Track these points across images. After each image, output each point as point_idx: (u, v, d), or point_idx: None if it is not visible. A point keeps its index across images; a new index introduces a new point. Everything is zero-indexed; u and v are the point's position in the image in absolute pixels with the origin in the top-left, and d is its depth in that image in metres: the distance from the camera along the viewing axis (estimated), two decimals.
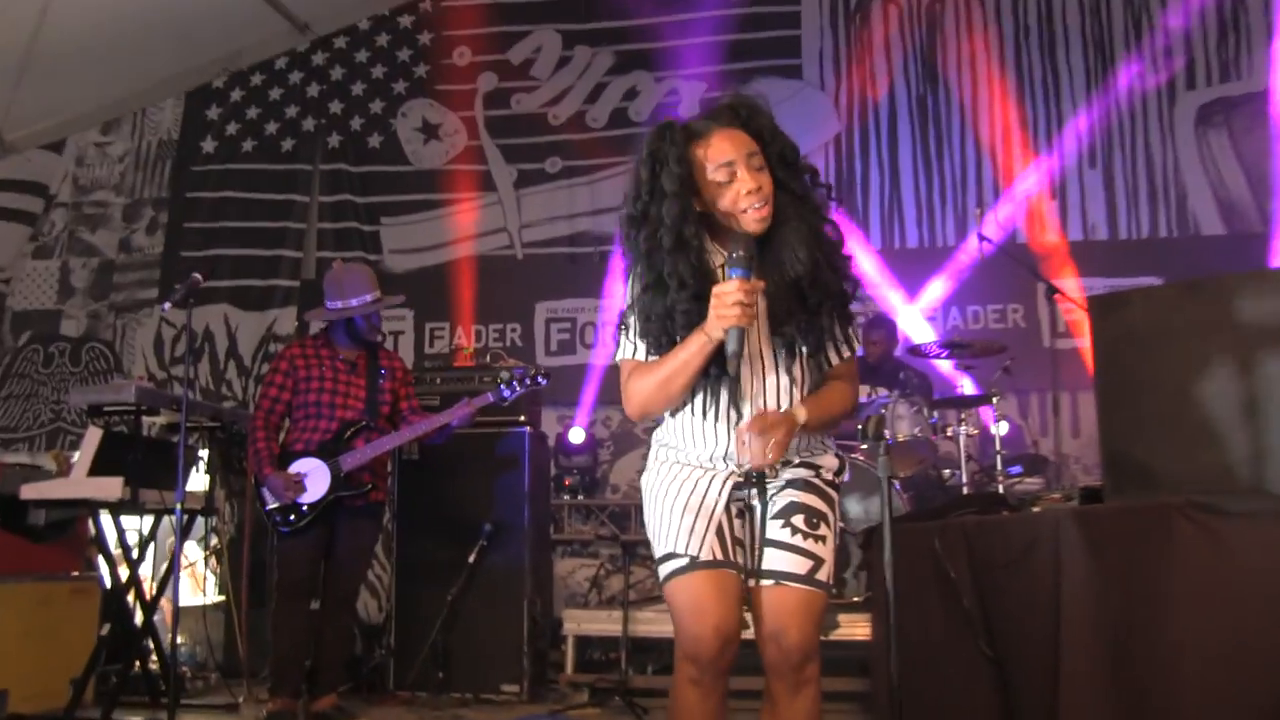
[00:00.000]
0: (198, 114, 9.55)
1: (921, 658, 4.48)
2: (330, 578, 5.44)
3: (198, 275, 5.08)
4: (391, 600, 6.36)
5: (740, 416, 2.83)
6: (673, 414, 2.93)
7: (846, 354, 2.94)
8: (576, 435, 8.27)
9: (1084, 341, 7.16)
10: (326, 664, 5.47)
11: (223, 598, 6.52)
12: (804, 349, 2.83)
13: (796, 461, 2.92)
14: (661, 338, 2.80)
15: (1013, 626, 4.17)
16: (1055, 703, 3.75)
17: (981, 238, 6.99)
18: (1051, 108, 8.58)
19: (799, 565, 2.83)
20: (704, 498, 2.88)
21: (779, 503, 2.89)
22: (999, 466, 6.35)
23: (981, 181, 8.59)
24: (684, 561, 2.83)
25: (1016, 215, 8.45)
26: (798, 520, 2.86)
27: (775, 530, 2.86)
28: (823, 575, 2.85)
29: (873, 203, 8.65)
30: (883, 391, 6.88)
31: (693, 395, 2.86)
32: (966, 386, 7.29)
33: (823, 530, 2.87)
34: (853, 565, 6.02)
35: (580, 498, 8.18)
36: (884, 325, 7.49)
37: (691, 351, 2.73)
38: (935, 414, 6.67)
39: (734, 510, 2.90)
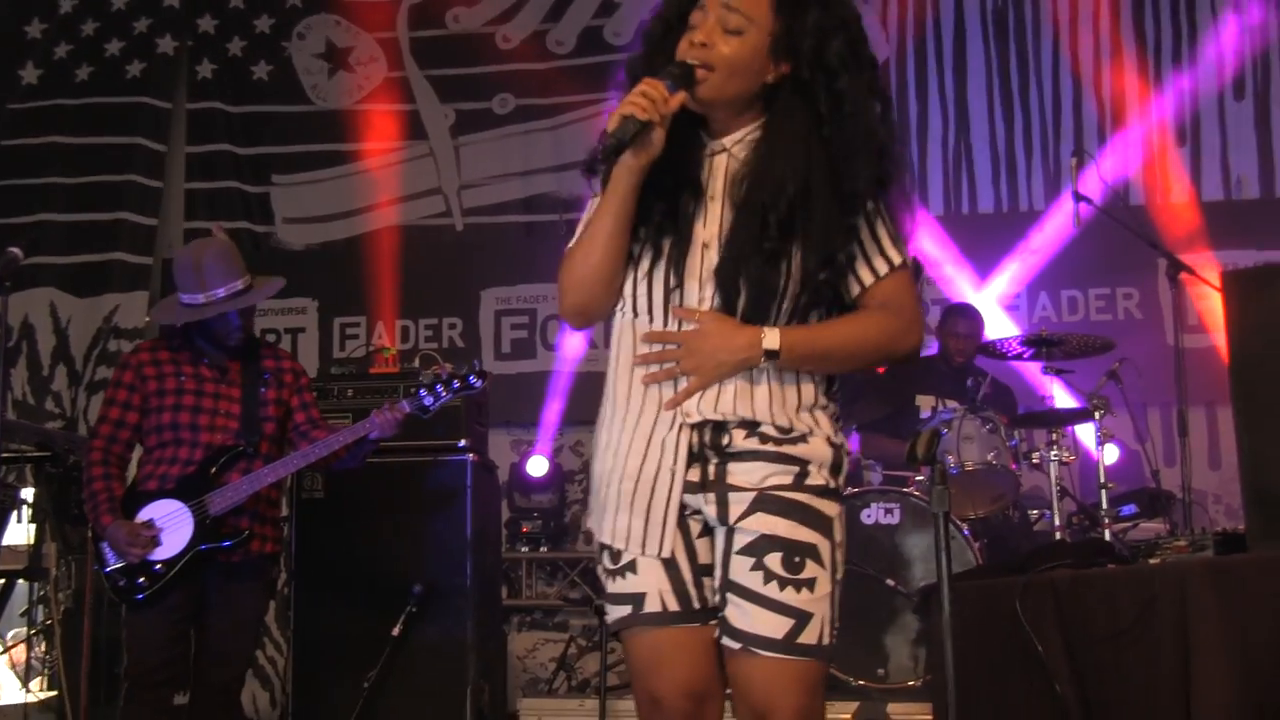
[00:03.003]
0: (14, 34, 9.45)
1: None
2: (202, 662, 5.33)
3: (15, 250, 5.03)
4: (289, 690, 6.35)
5: (677, 285, 2.83)
6: (616, 319, 2.94)
7: (882, 270, 2.86)
8: (538, 466, 8.27)
9: (1223, 337, 7.17)
10: None
11: (54, 693, 6.47)
12: (743, 300, 2.80)
13: (769, 447, 2.84)
14: None
15: (1124, 717, 4.16)
16: None
17: (1079, 198, 6.96)
18: (1181, 18, 8.63)
19: (773, 626, 2.75)
20: (657, 470, 2.85)
21: (747, 532, 2.80)
22: (1104, 505, 6.33)
23: (1081, 123, 8.66)
24: (625, 611, 2.85)
25: (1130, 168, 8.52)
26: (772, 561, 2.76)
27: (742, 571, 2.78)
28: (809, 637, 2.76)
29: (933, 153, 8.75)
30: (951, 404, 6.89)
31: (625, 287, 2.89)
32: (1060, 398, 7.27)
33: (809, 572, 2.78)
34: (909, 637, 6.03)
35: (543, 549, 8.18)
36: (969, 315, 7.50)
37: (608, 190, 2.79)
38: (1017, 435, 6.66)
39: (689, 520, 2.87)
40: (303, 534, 6.38)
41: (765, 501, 2.79)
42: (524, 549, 8.05)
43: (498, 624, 7.02)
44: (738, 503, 2.80)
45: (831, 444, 2.86)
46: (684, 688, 2.83)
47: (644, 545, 2.84)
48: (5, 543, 5.67)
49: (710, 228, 2.84)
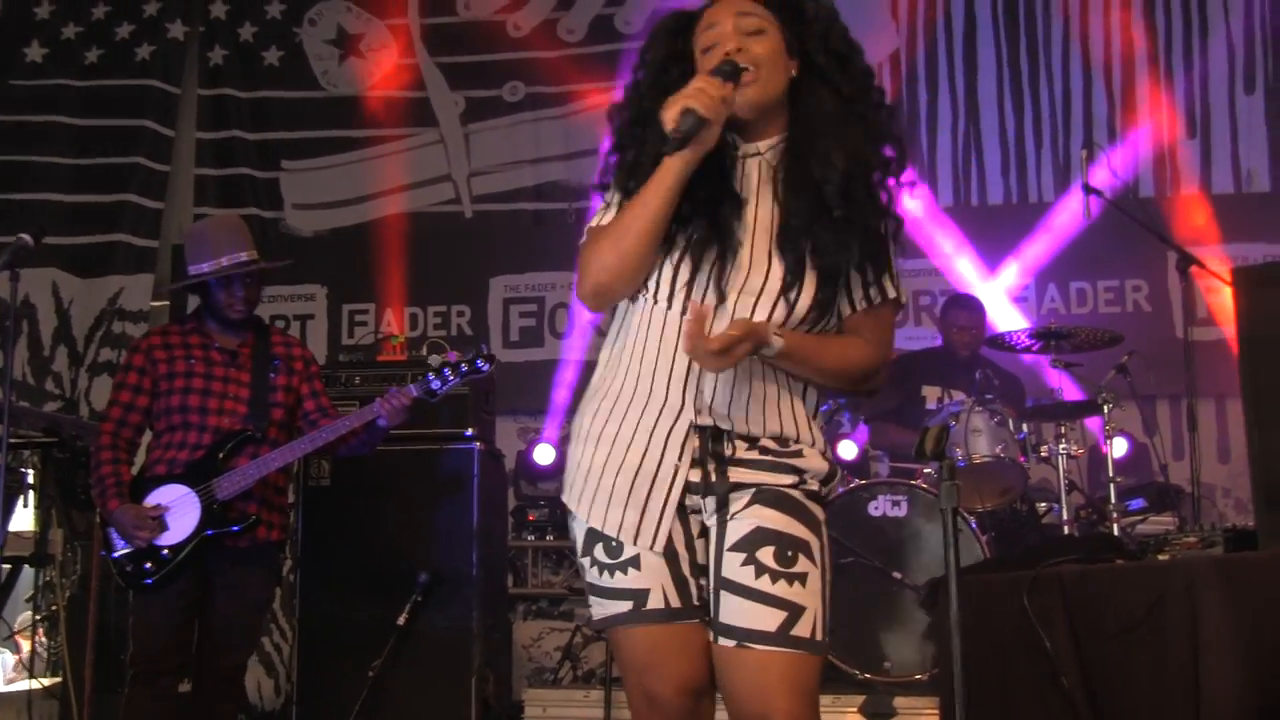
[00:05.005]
0: (23, 11, 9.44)
1: None
2: (206, 649, 5.31)
3: (26, 237, 5.01)
4: (293, 678, 6.34)
5: (721, 300, 2.84)
6: (633, 305, 2.96)
7: (875, 299, 2.93)
8: (544, 454, 8.26)
9: (1232, 330, 7.17)
10: None
11: (58, 679, 6.44)
12: (817, 270, 2.83)
13: (768, 458, 2.87)
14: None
15: (1133, 712, 4.15)
16: None
17: (1089, 190, 6.95)
18: (1192, 10, 8.63)
19: (769, 619, 2.77)
20: (655, 471, 2.86)
21: (741, 526, 2.83)
22: (1113, 499, 6.34)
23: (1091, 115, 8.66)
24: (625, 607, 2.86)
25: (1139, 161, 8.51)
26: (765, 555, 2.79)
27: (734, 567, 2.81)
28: (803, 630, 2.78)
29: (942, 144, 8.75)
30: (958, 396, 6.88)
31: (659, 275, 2.90)
32: (1068, 391, 7.25)
33: (801, 566, 2.80)
34: (916, 631, 6.03)
35: (549, 538, 8.15)
36: (971, 307, 7.52)
37: (655, 181, 2.79)
38: (1025, 428, 6.66)
39: (689, 520, 2.90)
40: (309, 521, 6.36)
41: (762, 494, 2.84)
42: (530, 537, 8.02)
43: (503, 613, 7.03)
44: (737, 501, 2.84)
45: (825, 459, 2.94)
46: (682, 684, 2.85)
47: (637, 536, 2.85)
48: (11, 528, 5.63)
49: (747, 228, 2.88)
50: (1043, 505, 6.79)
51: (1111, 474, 6.38)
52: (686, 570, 2.87)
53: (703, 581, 2.87)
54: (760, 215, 2.89)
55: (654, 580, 2.85)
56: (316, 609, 6.30)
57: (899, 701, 5.76)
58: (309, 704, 6.21)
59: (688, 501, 2.87)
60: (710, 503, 2.86)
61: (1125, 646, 4.16)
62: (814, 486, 2.90)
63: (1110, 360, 6.84)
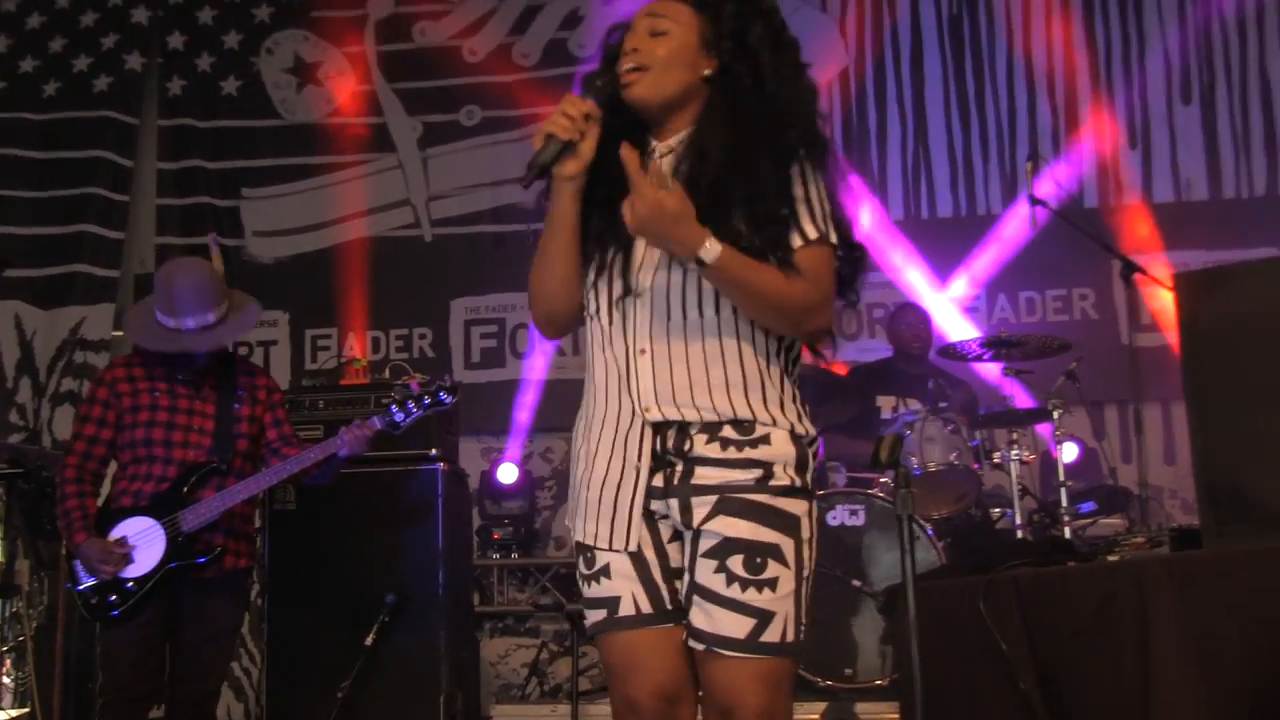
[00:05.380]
0: None
1: None
2: (177, 676, 5.28)
3: None
4: (263, 701, 6.31)
5: (626, 292, 2.88)
6: (587, 323, 2.99)
7: (812, 234, 2.85)
8: (507, 473, 8.27)
9: (1176, 335, 7.23)
10: None
11: (26, 710, 6.41)
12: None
13: (730, 453, 2.84)
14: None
15: (1086, 712, 4.17)
16: None
17: (1035, 202, 7.00)
18: (1130, 25, 8.70)
19: (736, 627, 2.78)
20: (623, 466, 2.89)
21: (710, 535, 2.83)
22: (1064, 503, 6.35)
23: (1036, 128, 8.70)
24: (601, 615, 2.90)
25: (1083, 172, 8.57)
26: (734, 563, 2.79)
27: (707, 574, 2.81)
28: (773, 634, 2.79)
29: (892, 159, 8.78)
30: (912, 404, 6.92)
31: (589, 291, 2.95)
32: (1019, 398, 7.30)
33: (771, 572, 2.80)
34: (876, 637, 6.05)
35: (514, 556, 8.18)
36: (915, 310, 7.60)
37: (554, 202, 2.89)
38: (978, 435, 6.68)
39: (656, 523, 2.90)
40: (275, 545, 6.34)
41: (727, 503, 2.81)
42: (495, 555, 8.04)
43: (470, 631, 7.03)
44: (700, 506, 2.82)
45: (794, 438, 2.87)
46: (656, 689, 2.86)
47: (610, 540, 2.87)
48: None
49: None
50: (996, 510, 6.80)
51: (1062, 478, 6.39)
52: (657, 575, 2.88)
53: (677, 584, 2.88)
54: None
55: (624, 588, 2.87)
56: (284, 632, 6.28)
57: (860, 707, 5.77)
58: None
59: (653, 507, 2.87)
60: (674, 505, 2.85)
61: (1079, 646, 4.18)
62: (784, 480, 2.84)
63: (1059, 367, 6.87)
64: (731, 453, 2.83)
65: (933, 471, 6.47)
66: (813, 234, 2.84)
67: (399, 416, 5.27)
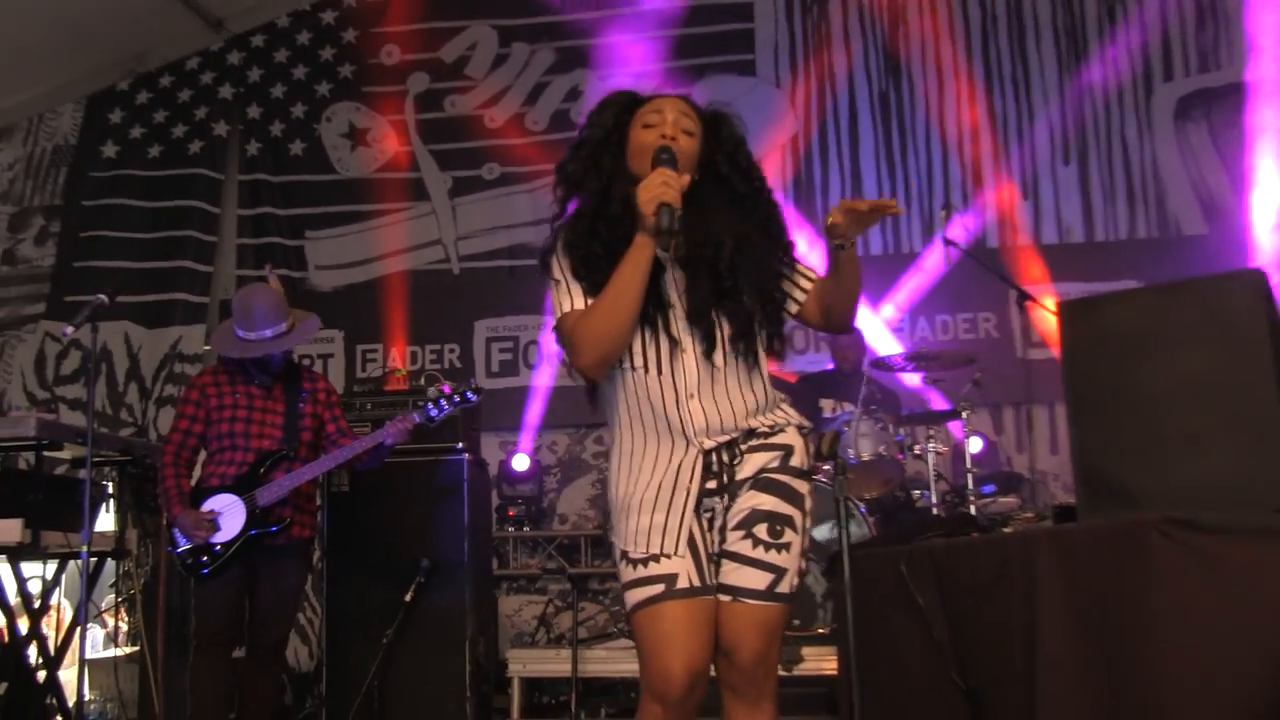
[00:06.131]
0: (99, 118, 9.45)
1: (892, 692, 4.52)
2: (255, 624, 5.34)
3: (103, 296, 5.04)
4: (322, 646, 6.31)
5: (675, 345, 2.90)
6: (622, 374, 2.95)
7: (814, 277, 3.07)
8: (520, 462, 8.26)
9: (1059, 350, 7.23)
10: (252, 717, 5.40)
11: (136, 648, 6.43)
12: (725, 332, 2.90)
13: (762, 441, 2.94)
14: (598, 277, 2.89)
15: (987, 655, 4.17)
16: None
17: (947, 242, 7.02)
18: (1022, 102, 8.71)
19: (758, 580, 2.85)
20: (674, 487, 2.90)
21: (741, 510, 2.89)
22: (970, 486, 6.33)
23: (948, 182, 8.69)
24: (658, 589, 2.86)
25: (986, 218, 8.57)
26: (760, 530, 2.86)
27: (735, 542, 2.88)
28: (784, 587, 2.87)
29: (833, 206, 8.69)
30: (848, 407, 6.92)
31: (631, 347, 2.91)
32: (935, 401, 7.33)
33: (787, 537, 2.88)
34: (819, 594, 6.05)
35: (525, 529, 8.17)
36: (852, 334, 7.52)
37: (631, 259, 2.81)
38: (902, 431, 6.69)
39: (704, 516, 2.93)
40: (332, 520, 6.33)
41: (758, 482, 2.91)
42: (510, 529, 8.03)
43: (490, 590, 7.00)
44: (741, 487, 2.91)
45: (800, 430, 3.01)
46: (690, 663, 2.83)
47: (663, 544, 2.86)
48: (97, 529, 5.62)
49: (671, 290, 2.93)
50: (916, 492, 6.78)
51: (969, 466, 6.38)
52: (704, 559, 2.89)
53: (712, 567, 2.90)
54: (676, 276, 2.93)
55: (680, 568, 2.85)
56: (340, 591, 6.27)
57: (806, 650, 5.76)
58: (335, 666, 6.19)
59: (703, 504, 2.91)
60: (725, 498, 2.92)
61: (981, 601, 4.18)
62: (798, 463, 2.95)
63: (967, 377, 6.83)
64: (763, 441, 2.94)
65: (865, 461, 6.46)
66: (815, 277, 3.07)
67: (433, 412, 5.32)
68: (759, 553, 2.86)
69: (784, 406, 3.04)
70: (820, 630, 5.91)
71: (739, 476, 2.92)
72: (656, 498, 2.89)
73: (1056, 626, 3.75)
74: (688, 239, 2.91)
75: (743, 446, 2.93)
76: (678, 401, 2.89)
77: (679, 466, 2.90)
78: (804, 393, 7.07)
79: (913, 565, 4.51)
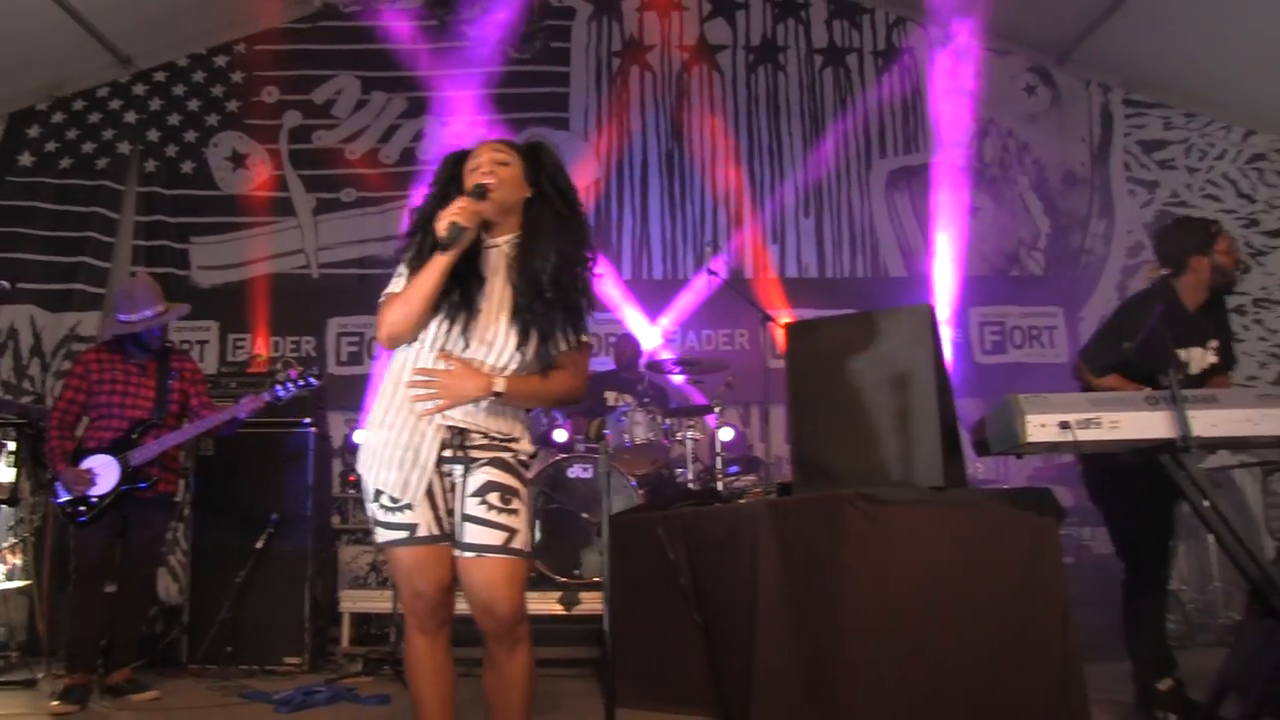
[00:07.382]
0: (19, 132, 8.91)
1: (647, 627, 4.59)
2: (125, 562, 5.20)
3: (5, 283, 4.87)
4: (188, 582, 6.14)
5: (466, 346, 2.88)
6: (408, 346, 2.94)
7: (572, 342, 2.98)
8: (361, 436, 8.06)
9: None
10: (121, 642, 5.23)
11: (28, 581, 6.15)
12: (537, 332, 2.89)
13: (496, 439, 2.94)
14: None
15: (720, 598, 4.29)
16: (751, 660, 3.89)
17: (711, 273, 7.16)
18: (774, 166, 8.92)
19: (495, 537, 2.86)
20: (419, 450, 2.88)
21: (477, 480, 2.90)
22: (719, 466, 6.45)
23: (716, 225, 8.81)
24: (402, 534, 2.88)
25: (742, 255, 8.71)
26: (493, 497, 2.88)
27: (473, 506, 2.89)
28: (518, 543, 2.89)
29: (625, 239, 8.80)
30: (626, 399, 6.98)
31: (432, 328, 2.90)
32: (696, 398, 7.42)
33: (515, 505, 2.90)
34: (597, 550, 6.06)
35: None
36: (631, 342, 7.64)
37: (430, 267, 2.83)
38: (669, 421, 6.74)
39: (444, 480, 2.92)
40: (200, 479, 6.18)
41: (491, 462, 2.91)
42: (351, 491, 7.87)
43: (330, 540, 6.87)
44: (476, 464, 2.90)
45: (530, 444, 3.02)
46: (439, 583, 2.89)
47: (412, 491, 2.86)
48: None
49: (492, 299, 2.91)
50: (678, 470, 6.81)
51: (719, 450, 6.48)
52: (442, 512, 2.90)
53: (452, 519, 2.91)
54: (498, 289, 2.92)
55: (421, 518, 2.87)
56: (204, 537, 6.11)
57: (584, 595, 5.81)
58: (197, 600, 6.02)
59: (443, 468, 2.90)
60: (459, 468, 2.90)
61: (718, 557, 4.31)
62: (524, 458, 2.97)
63: (722, 379, 6.95)
64: (495, 442, 2.93)
65: (638, 444, 6.54)
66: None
67: (280, 392, 5.21)
68: (493, 515, 2.87)
69: (523, 426, 3.02)
70: (596, 578, 5.93)
71: (473, 455, 2.91)
72: (405, 449, 2.88)
73: (772, 574, 3.88)
74: (520, 249, 2.93)
75: (476, 438, 2.91)
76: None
77: (425, 430, 2.90)
78: (591, 387, 7.11)
79: (668, 527, 4.61)
